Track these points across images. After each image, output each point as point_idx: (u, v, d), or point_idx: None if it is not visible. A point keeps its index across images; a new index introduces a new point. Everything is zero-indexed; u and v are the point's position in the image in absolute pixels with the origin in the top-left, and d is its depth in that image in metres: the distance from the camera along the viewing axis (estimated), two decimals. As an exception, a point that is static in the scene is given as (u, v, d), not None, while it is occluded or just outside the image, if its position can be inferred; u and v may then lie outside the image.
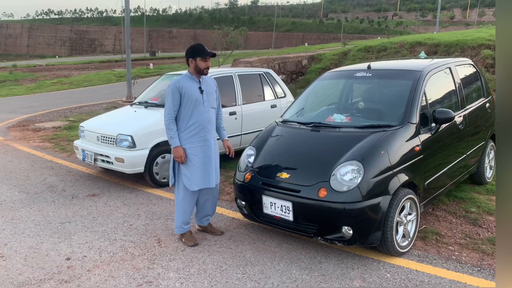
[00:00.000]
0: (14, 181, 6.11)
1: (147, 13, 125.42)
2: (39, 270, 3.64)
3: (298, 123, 4.43)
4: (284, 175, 3.82)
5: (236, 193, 4.29)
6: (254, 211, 4.09)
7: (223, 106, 6.50)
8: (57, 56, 70.69)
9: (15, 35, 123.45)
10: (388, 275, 3.44)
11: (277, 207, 3.78)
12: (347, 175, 3.55)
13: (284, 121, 4.58)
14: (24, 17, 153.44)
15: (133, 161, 5.56)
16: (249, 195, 4.07)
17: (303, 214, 3.66)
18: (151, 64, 32.88)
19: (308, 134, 4.15)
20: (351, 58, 11.92)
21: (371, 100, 4.69)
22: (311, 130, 4.18)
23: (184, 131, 4.00)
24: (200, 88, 4.04)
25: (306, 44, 50.05)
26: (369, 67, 4.69)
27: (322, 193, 3.54)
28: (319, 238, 3.68)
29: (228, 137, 6.53)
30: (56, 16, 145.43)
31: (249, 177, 4.07)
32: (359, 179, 3.50)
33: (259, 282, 3.38)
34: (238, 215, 4.68)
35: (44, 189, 5.79)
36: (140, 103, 6.72)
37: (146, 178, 5.76)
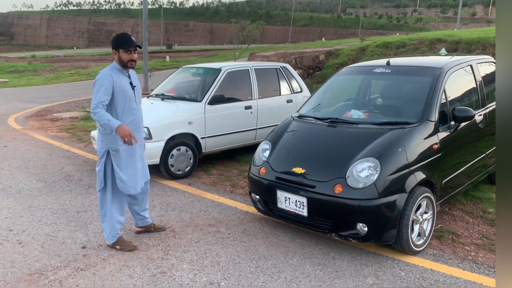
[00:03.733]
0: (32, 170, 6.21)
1: (164, 6, 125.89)
2: (55, 258, 3.69)
3: (314, 118, 4.40)
4: (300, 170, 3.80)
5: (250, 187, 4.29)
6: (268, 205, 4.08)
7: (239, 100, 6.52)
8: (75, 47, 71.53)
9: (34, 26, 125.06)
10: (402, 273, 3.41)
11: (291, 202, 3.77)
12: (363, 172, 3.52)
13: (300, 116, 4.56)
14: (43, 8, 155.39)
15: (149, 152, 5.57)
16: (263, 190, 4.06)
17: (318, 209, 3.64)
18: (167, 57, 33.06)
19: (325, 130, 4.13)
20: (369, 54, 11.81)
21: (389, 97, 4.64)
22: (327, 126, 4.15)
23: None
24: (131, 83, 3.77)
25: (323, 39, 49.60)
26: (388, 63, 4.63)
27: (338, 189, 3.52)
28: (333, 234, 3.66)
29: (243, 131, 6.58)
30: (75, 8, 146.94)
31: (264, 171, 4.07)
32: (376, 176, 3.46)
33: (272, 276, 3.38)
34: (252, 209, 4.68)
35: (61, 178, 5.87)
36: (156, 95, 6.75)
37: (161, 170, 5.80)
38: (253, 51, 18.13)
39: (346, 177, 3.53)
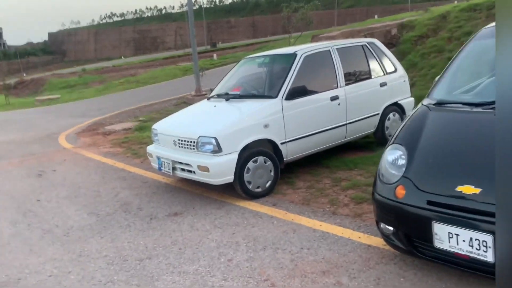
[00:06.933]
0: (83, 199, 5.18)
1: (205, 6, 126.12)
2: None
3: (465, 104, 2.97)
4: (471, 189, 2.40)
5: (379, 214, 2.93)
6: (413, 242, 2.72)
7: (323, 90, 5.14)
8: (122, 57, 72.67)
9: (83, 41, 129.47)
10: None
11: (462, 240, 2.38)
12: None
13: (439, 103, 3.13)
14: (89, 23, 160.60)
15: (220, 169, 4.38)
16: (405, 220, 2.70)
17: (517, 253, 2.24)
18: (214, 55, 32.35)
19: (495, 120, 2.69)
20: (453, 20, 10.00)
21: None
22: (498, 114, 2.71)
23: None
24: None
25: (376, 16, 46.46)
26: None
27: (553, 219, 2.10)
28: (542, 289, 2.24)
29: (331, 128, 5.22)
30: (119, 19, 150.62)
31: (404, 192, 2.70)
32: None
33: None
34: (376, 241, 3.33)
35: (117, 208, 4.79)
36: (219, 96, 5.53)
37: (237, 189, 4.56)
38: (307, 37, 16.66)
39: None
